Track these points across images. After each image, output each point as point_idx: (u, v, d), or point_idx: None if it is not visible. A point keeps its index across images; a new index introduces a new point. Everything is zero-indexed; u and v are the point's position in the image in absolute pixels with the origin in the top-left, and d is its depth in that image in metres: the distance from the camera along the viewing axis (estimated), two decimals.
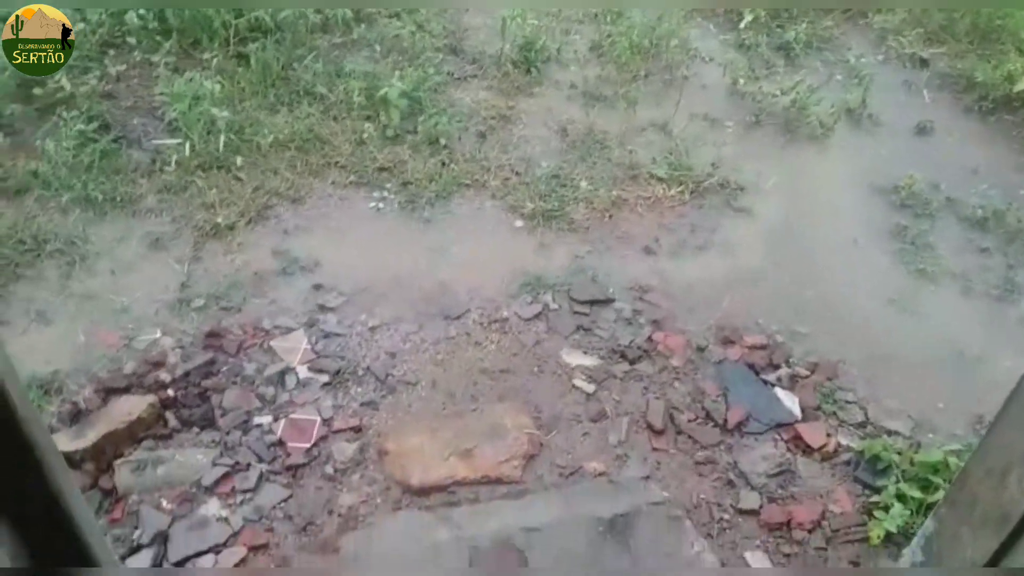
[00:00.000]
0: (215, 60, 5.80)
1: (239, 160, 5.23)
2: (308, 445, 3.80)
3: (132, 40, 5.86)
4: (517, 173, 5.48)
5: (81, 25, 5.76)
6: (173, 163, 5.12)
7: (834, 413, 4.13)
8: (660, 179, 5.51)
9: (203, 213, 4.92)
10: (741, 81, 6.28)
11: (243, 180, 5.16)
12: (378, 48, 6.21)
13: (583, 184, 5.40)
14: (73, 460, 3.57)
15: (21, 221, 4.67)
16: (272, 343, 4.27)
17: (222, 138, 5.19)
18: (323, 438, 3.84)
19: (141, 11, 5.89)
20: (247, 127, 5.43)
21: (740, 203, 5.44)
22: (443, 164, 5.46)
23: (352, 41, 6.26)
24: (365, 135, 5.53)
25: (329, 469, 3.71)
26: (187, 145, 5.17)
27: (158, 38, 5.90)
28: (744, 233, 5.24)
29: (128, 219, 4.85)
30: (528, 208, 5.20)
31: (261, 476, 3.66)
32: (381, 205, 5.17)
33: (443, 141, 5.57)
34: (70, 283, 4.44)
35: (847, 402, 4.19)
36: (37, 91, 5.35)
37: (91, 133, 5.13)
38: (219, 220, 4.87)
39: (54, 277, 4.46)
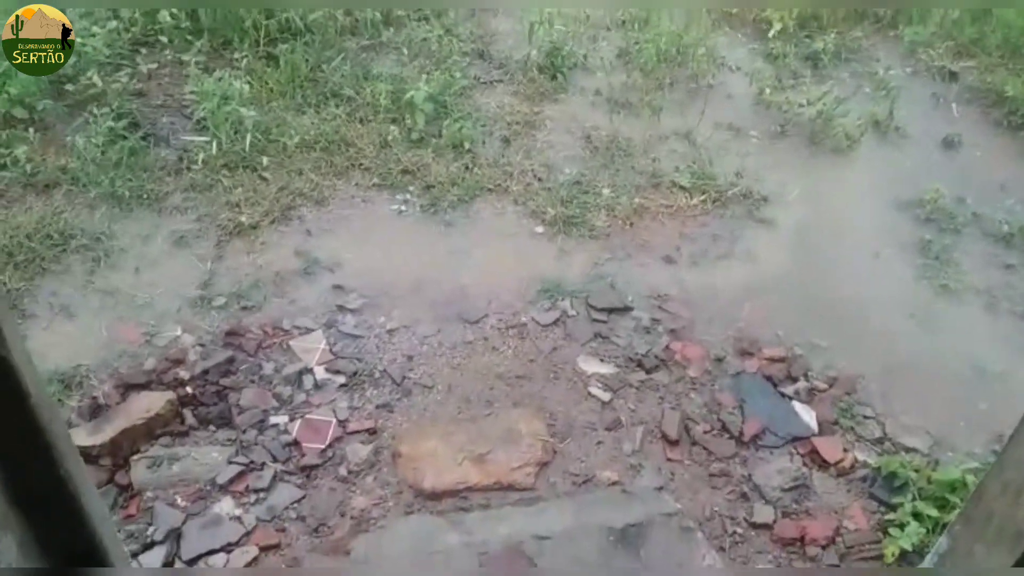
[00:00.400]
0: (245, 60, 5.82)
1: (265, 160, 5.24)
2: (323, 446, 3.78)
3: (164, 39, 5.90)
4: (539, 179, 5.44)
5: (114, 23, 5.81)
6: (200, 161, 5.14)
7: (851, 428, 4.06)
8: (683, 188, 5.45)
9: (228, 212, 4.93)
10: (767, 91, 6.20)
11: (268, 180, 5.16)
12: (406, 51, 6.20)
13: (605, 191, 5.36)
14: (90, 455, 3.58)
15: (49, 216, 4.70)
16: (291, 343, 4.27)
17: (249, 138, 5.20)
18: (338, 439, 3.83)
19: (174, 10, 5.92)
20: (274, 127, 5.44)
21: (763, 213, 5.37)
22: (466, 168, 5.43)
23: (380, 44, 6.26)
24: (390, 138, 5.52)
25: (343, 471, 3.69)
26: (214, 144, 5.19)
27: (189, 37, 5.93)
28: (766, 244, 5.17)
29: (154, 216, 4.88)
30: (549, 214, 5.16)
31: (275, 476, 3.65)
32: (403, 208, 5.16)
33: (467, 145, 5.54)
34: (94, 278, 4.46)
35: (865, 417, 4.11)
36: (69, 88, 5.40)
37: (121, 130, 5.16)
38: (243, 219, 4.88)
39: (79, 272, 4.48)
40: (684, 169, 5.58)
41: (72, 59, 5.41)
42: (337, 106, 5.72)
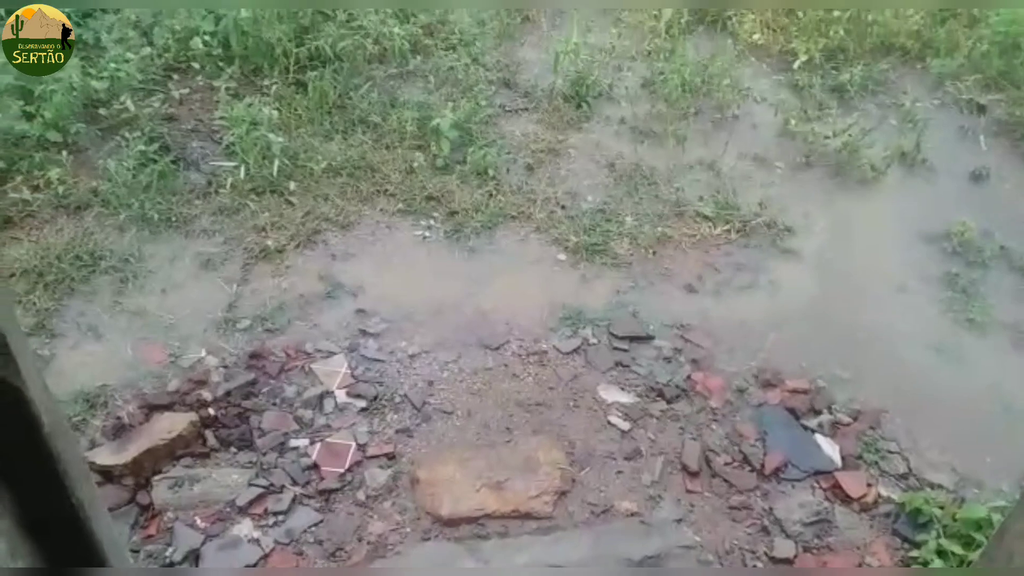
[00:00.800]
0: (274, 87, 5.89)
1: (292, 185, 5.30)
2: (342, 470, 3.79)
3: (196, 65, 6.00)
4: (563, 207, 5.45)
5: (148, 49, 5.91)
6: (228, 186, 5.20)
7: (875, 463, 4.00)
8: (706, 217, 5.44)
9: (254, 235, 4.98)
10: (792, 122, 6.19)
11: (295, 205, 5.21)
12: (432, 79, 6.26)
13: (628, 220, 5.36)
14: (113, 474, 3.61)
15: (79, 237, 4.77)
16: (313, 366, 4.29)
17: (276, 163, 5.26)
18: (357, 463, 3.83)
19: (206, 37, 6.02)
20: (301, 153, 5.50)
21: (787, 244, 5.34)
22: (490, 195, 5.46)
23: (407, 72, 6.32)
24: (415, 164, 5.56)
25: (361, 495, 3.69)
26: (243, 169, 5.25)
27: (221, 64, 6.02)
28: (790, 275, 5.14)
29: (182, 239, 4.93)
30: (572, 242, 5.17)
31: (294, 499, 3.65)
32: (427, 234, 5.19)
33: (491, 172, 5.57)
34: (122, 299, 4.51)
35: (889, 452, 4.05)
36: (102, 112, 5.50)
37: (151, 154, 5.24)
38: (269, 243, 4.93)
39: (107, 293, 4.54)
40: (708, 199, 5.57)
41: (106, 84, 5.53)
42: (364, 133, 5.78)
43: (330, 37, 6.15)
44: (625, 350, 4.53)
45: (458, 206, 5.33)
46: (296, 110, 5.81)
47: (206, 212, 5.10)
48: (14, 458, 1.30)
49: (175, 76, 5.98)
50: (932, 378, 4.52)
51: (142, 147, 5.22)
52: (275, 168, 5.25)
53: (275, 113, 5.54)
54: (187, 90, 5.92)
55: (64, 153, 5.15)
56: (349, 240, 5.10)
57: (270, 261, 4.87)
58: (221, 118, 5.55)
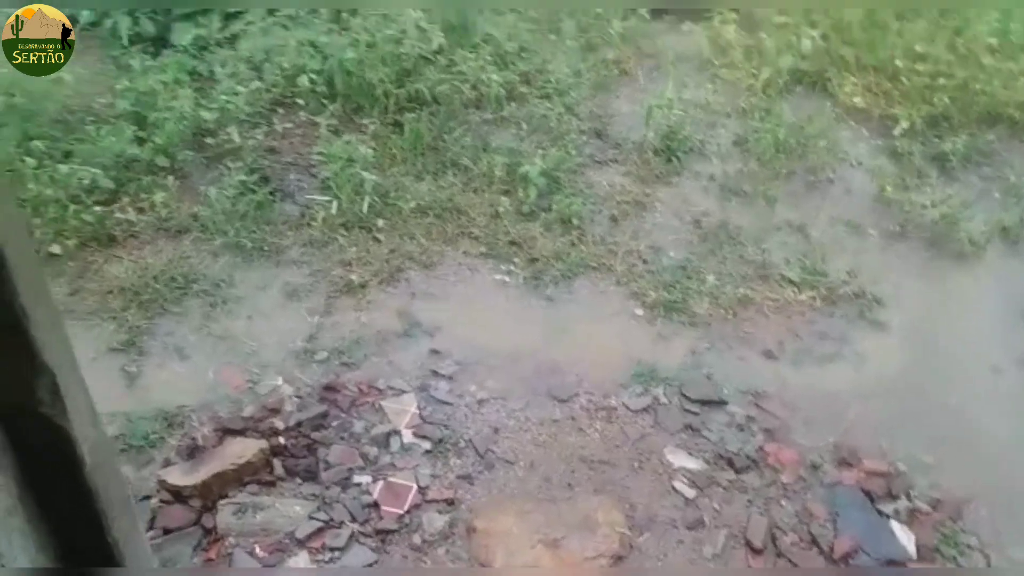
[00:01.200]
0: (373, 126, 6.01)
1: (380, 222, 5.37)
2: (401, 511, 3.76)
3: (300, 101, 6.16)
4: (644, 260, 5.36)
5: (257, 84, 6.10)
6: (320, 219, 5.30)
7: (953, 557, 3.75)
8: (791, 282, 5.26)
9: (340, 269, 5.05)
10: (889, 189, 5.95)
11: (381, 241, 5.27)
12: (525, 126, 6.27)
13: (710, 278, 5.22)
14: (182, 495, 3.66)
15: (176, 260, 4.93)
16: (383, 403, 4.29)
17: (367, 200, 5.34)
18: (416, 506, 3.79)
19: (312, 75, 6.18)
20: (393, 191, 5.57)
21: (875, 316, 5.11)
22: (572, 244, 5.41)
23: (501, 118, 6.35)
24: (501, 209, 5.56)
25: (417, 539, 3.65)
26: (335, 204, 5.34)
27: (324, 101, 6.17)
28: (876, 348, 4.91)
29: (271, 268, 5.04)
30: (651, 297, 5.06)
31: (352, 536, 3.64)
32: (507, 279, 5.16)
33: (575, 222, 5.53)
34: (209, 323, 4.63)
35: (969, 547, 3.79)
36: (210, 140, 5.70)
37: (251, 184, 5.39)
38: (353, 277, 4.99)
39: (196, 316, 4.66)
40: (794, 262, 5.39)
41: (215, 115, 5.73)
42: (454, 175, 5.82)
43: (429, 81, 6.25)
44: (696, 413, 4.38)
45: (540, 253, 5.30)
46: (391, 149, 5.90)
47: (297, 243, 5.20)
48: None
49: (280, 110, 6.16)
50: (1022, 468, 4.23)
51: (243, 177, 5.38)
52: (365, 205, 5.33)
53: (370, 151, 5.64)
54: (290, 124, 6.08)
55: (170, 178, 5.35)
56: (430, 280, 5.11)
57: (353, 295, 4.93)
58: (319, 153, 5.68)
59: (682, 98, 6.56)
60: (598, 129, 6.47)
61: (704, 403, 4.44)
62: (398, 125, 6.11)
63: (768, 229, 5.67)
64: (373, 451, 4.04)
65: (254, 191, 5.36)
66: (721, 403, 4.45)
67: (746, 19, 7.26)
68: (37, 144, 5.07)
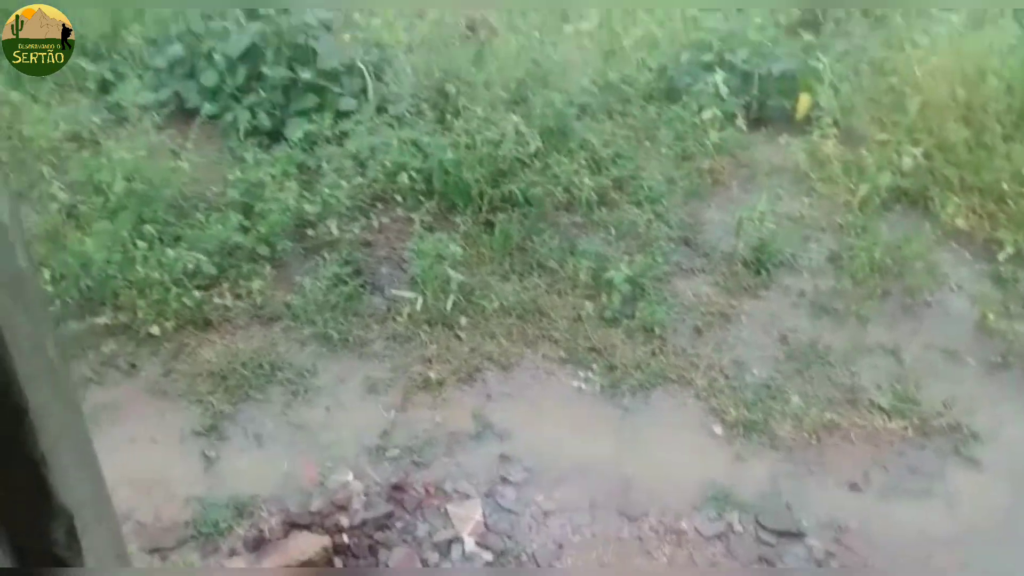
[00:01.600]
0: (464, 224, 6.10)
1: (463, 320, 5.39)
2: None
3: (399, 197, 6.32)
4: (726, 376, 5.19)
5: (360, 179, 6.30)
6: (405, 315, 5.36)
7: None
8: (881, 409, 4.99)
9: (419, 366, 5.08)
10: (991, 316, 5.63)
11: (462, 340, 5.29)
12: (613, 231, 6.25)
13: (794, 399, 5.00)
14: None
15: (265, 347, 5.05)
16: (448, 507, 4.23)
17: (452, 298, 5.39)
18: None
19: (412, 172, 6.34)
20: (478, 290, 5.60)
21: (971, 452, 4.77)
22: (653, 354, 5.29)
23: (591, 222, 6.36)
24: (583, 313, 5.52)
25: None
26: (420, 300, 5.40)
27: (421, 198, 6.31)
28: (971, 488, 4.57)
29: (354, 360, 5.10)
30: (731, 415, 4.88)
31: None
32: (584, 386, 5.08)
33: (658, 331, 5.42)
34: (289, 412, 4.69)
35: None
36: (310, 232, 5.90)
37: (344, 276, 5.52)
38: (432, 375, 5.00)
39: (278, 404, 4.74)
40: (886, 388, 5.12)
41: (317, 207, 5.92)
42: (540, 276, 5.83)
43: (523, 182, 6.33)
44: (772, 545, 4.14)
45: (619, 361, 5.20)
46: (480, 248, 5.97)
47: (381, 337, 5.27)
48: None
49: (379, 205, 6.33)
50: None
51: (337, 269, 5.53)
52: (450, 303, 5.37)
53: (459, 250, 5.70)
54: (387, 219, 6.24)
55: (268, 267, 5.53)
56: (507, 381, 5.08)
57: (429, 392, 4.93)
58: (411, 249, 5.79)
59: (775, 210, 6.43)
60: (687, 237, 6.40)
61: (781, 534, 4.20)
62: (489, 224, 6.18)
63: (859, 351, 5.42)
64: (434, 557, 3.96)
65: (346, 283, 5.49)
66: (799, 535, 4.20)
67: (846, 134, 7.12)
68: (149, 228, 5.34)
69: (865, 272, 5.94)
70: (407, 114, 6.94)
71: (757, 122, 7.55)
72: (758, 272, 6.03)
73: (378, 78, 7.26)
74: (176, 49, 7.31)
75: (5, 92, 6.59)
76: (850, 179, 6.76)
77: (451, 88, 7.06)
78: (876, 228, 6.28)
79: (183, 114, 6.99)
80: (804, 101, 7.38)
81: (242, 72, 7.02)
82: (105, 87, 7.23)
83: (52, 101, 6.81)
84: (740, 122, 7.18)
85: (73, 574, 1.31)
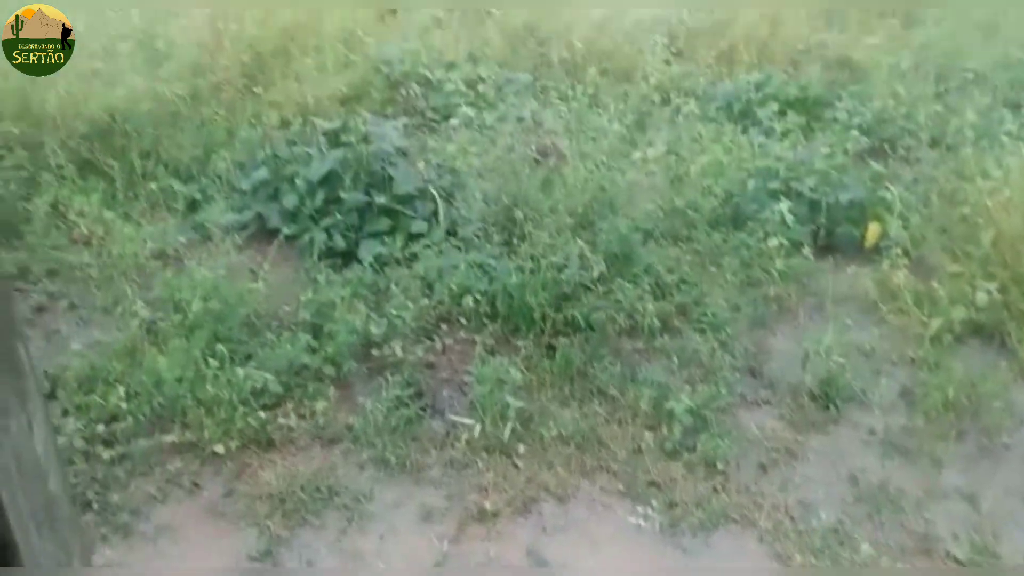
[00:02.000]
0: (526, 348, 6.11)
1: (521, 448, 5.33)
2: None
3: (463, 319, 6.39)
4: (792, 518, 4.96)
5: (426, 301, 6.40)
6: (463, 441, 5.33)
7: None
8: (957, 561, 4.68)
9: (475, 495, 5.00)
10: None
11: (520, 469, 5.21)
12: (676, 360, 6.15)
13: (864, 547, 4.73)
14: None
15: (325, 469, 5.06)
16: None
17: (510, 426, 5.34)
18: None
19: (477, 295, 6.42)
20: (537, 416, 5.55)
21: None
22: (715, 491, 5.11)
23: (653, 348, 6.29)
24: (643, 445, 5.39)
25: None
26: (479, 427, 5.37)
27: (485, 320, 6.37)
28: None
29: (410, 486, 5.06)
30: (796, 561, 4.64)
31: None
32: (642, 522, 4.91)
33: (720, 466, 5.25)
34: (344, 539, 4.65)
35: None
36: (375, 352, 5.97)
37: (405, 398, 5.54)
38: (487, 505, 4.91)
39: (333, 530, 4.71)
40: (963, 538, 4.81)
41: (383, 329, 6.02)
42: (600, 404, 5.75)
43: (585, 307, 6.33)
44: None
45: (679, 497, 5.03)
46: (541, 373, 5.94)
47: (438, 463, 5.23)
48: None
49: (443, 326, 6.40)
50: None
51: (398, 391, 5.55)
52: (508, 431, 5.32)
53: (519, 375, 5.69)
54: (451, 341, 6.30)
55: (332, 387, 5.60)
56: (563, 514, 4.95)
57: (484, 523, 4.83)
58: (472, 373, 5.80)
59: (843, 341, 6.26)
60: (752, 367, 6.26)
61: None
62: (551, 348, 6.17)
63: (933, 495, 5.14)
64: None
65: (407, 405, 5.50)
66: None
67: (917, 265, 6.98)
68: (222, 347, 5.48)
69: (939, 410, 5.69)
70: (475, 237, 7.09)
71: (824, 249, 7.47)
72: (826, 407, 5.84)
73: (449, 202, 7.48)
74: (262, 173, 7.68)
75: (99, 210, 6.99)
76: (922, 311, 6.56)
77: (519, 213, 7.21)
78: (950, 363, 6.04)
79: (264, 234, 7.29)
80: (873, 230, 7.27)
81: (321, 196, 7.31)
82: (193, 206, 7.60)
83: (143, 220, 7.18)
84: (807, 250, 7.11)
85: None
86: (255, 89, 9.41)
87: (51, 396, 5.15)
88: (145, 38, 9.34)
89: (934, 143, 8.53)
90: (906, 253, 6.93)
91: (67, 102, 8.06)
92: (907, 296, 6.68)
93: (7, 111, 7.76)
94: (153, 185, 7.66)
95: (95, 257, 6.63)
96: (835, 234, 7.55)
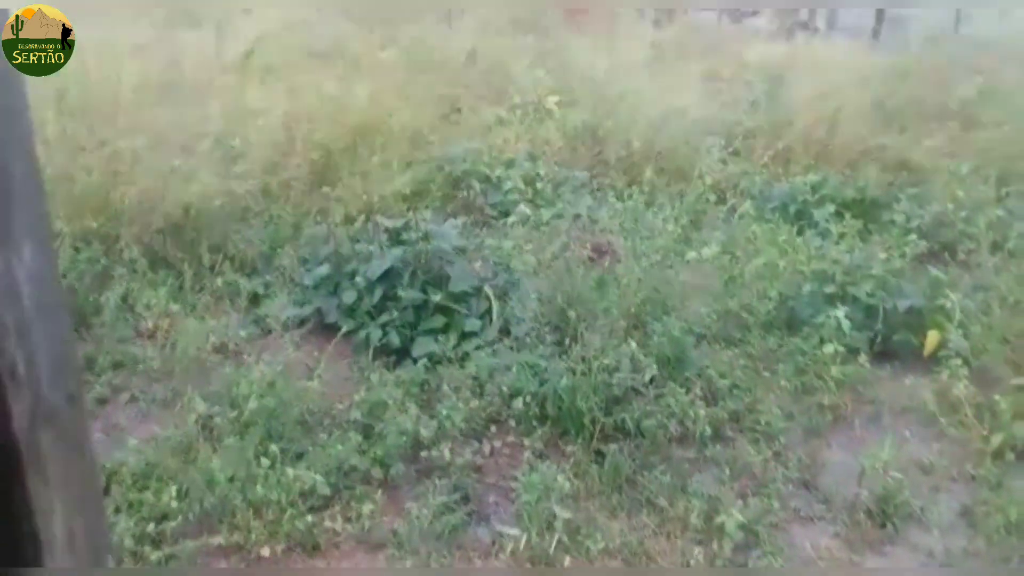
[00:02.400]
0: (574, 454, 6.03)
1: (567, 560, 5.21)
2: None
3: (512, 422, 6.37)
4: None
5: (476, 402, 6.40)
6: (508, 551, 5.24)
7: None
8: None
9: None
10: None
11: None
12: (727, 471, 6.00)
13: None
14: None
15: None
16: None
17: (556, 538, 5.24)
18: None
19: (527, 397, 6.40)
20: (583, 527, 5.43)
21: None
22: None
23: (704, 458, 6.15)
24: (692, 561, 5.23)
25: None
26: (524, 538, 5.28)
27: (534, 423, 6.33)
28: None
29: None
30: None
31: None
32: None
33: None
34: None
35: None
36: (423, 454, 5.96)
37: (452, 503, 5.49)
38: None
39: None
40: None
41: (432, 431, 6.02)
42: (648, 515, 5.61)
43: (636, 412, 6.25)
44: None
45: None
46: (589, 481, 5.85)
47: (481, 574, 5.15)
48: None
49: (492, 428, 6.38)
50: None
51: (444, 496, 5.51)
52: (553, 544, 5.22)
53: (567, 484, 5.60)
54: (499, 443, 6.26)
55: (379, 490, 5.59)
56: None
57: None
58: (520, 479, 5.73)
59: (901, 455, 6.04)
60: (806, 480, 6.06)
61: None
62: (599, 454, 6.08)
63: None
64: None
65: (453, 511, 5.45)
66: None
67: (978, 375, 6.74)
68: (274, 447, 5.54)
69: (1000, 532, 5.41)
70: (528, 338, 7.11)
71: (881, 356, 7.28)
72: (883, 525, 5.60)
73: (503, 301, 7.54)
74: (324, 269, 7.89)
75: (166, 304, 7.23)
76: (982, 425, 6.32)
77: (572, 312, 7.22)
78: (1012, 482, 5.77)
79: (322, 329, 7.42)
80: (932, 338, 7.08)
81: (379, 292, 7.45)
82: (256, 300, 7.81)
83: (207, 314, 7.40)
84: (863, 358, 6.94)
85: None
86: (323, 188, 9.72)
87: (106, 492, 5.25)
88: (223, 136, 9.77)
89: (995, 248, 8.32)
90: (967, 363, 6.71)
91: (144, 197, 8.43)
92: (967, 409, 6.45)
93: (88, 206, 8.14)
94: (219, 280, 7.92)
95: (159, 350, 6.83)
96: (892, 341, 7.37)
